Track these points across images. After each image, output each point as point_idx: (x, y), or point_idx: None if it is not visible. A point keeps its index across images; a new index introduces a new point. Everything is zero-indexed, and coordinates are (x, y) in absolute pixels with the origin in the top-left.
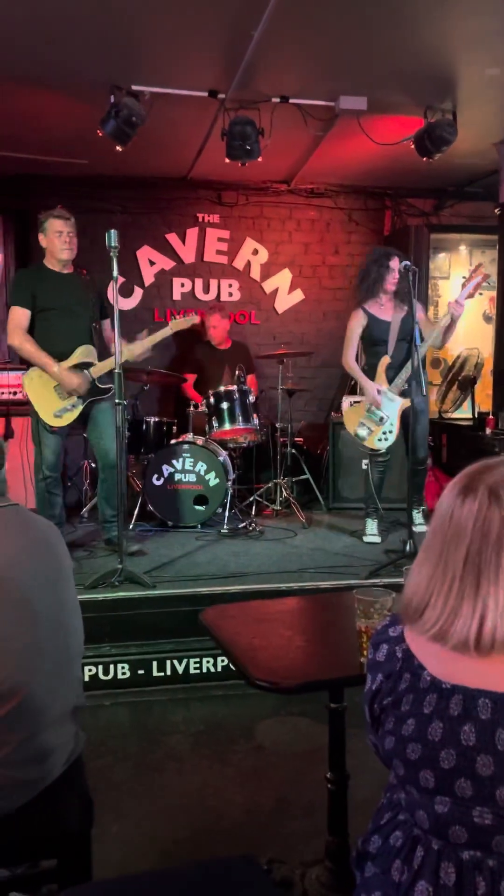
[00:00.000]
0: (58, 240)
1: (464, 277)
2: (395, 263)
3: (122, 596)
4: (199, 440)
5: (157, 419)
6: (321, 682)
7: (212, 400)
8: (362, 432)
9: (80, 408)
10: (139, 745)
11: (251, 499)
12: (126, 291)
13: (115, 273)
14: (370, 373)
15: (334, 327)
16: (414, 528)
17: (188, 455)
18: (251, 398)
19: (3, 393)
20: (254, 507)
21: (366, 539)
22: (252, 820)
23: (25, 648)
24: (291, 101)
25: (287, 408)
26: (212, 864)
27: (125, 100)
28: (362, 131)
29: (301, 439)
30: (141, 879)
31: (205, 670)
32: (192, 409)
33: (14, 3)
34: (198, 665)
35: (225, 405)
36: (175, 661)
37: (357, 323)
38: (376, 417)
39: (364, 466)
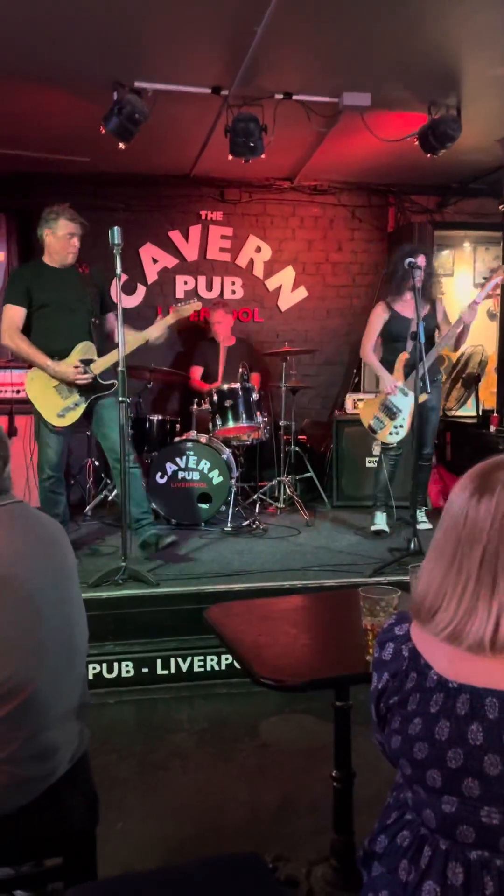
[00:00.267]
0: (68, 243)
1: (484, 278)
2: (422, 261)
3: (126, 594)
4: (203, 438)
5: (160, 417)
6: (327, 680)
7: (215, 398)
8: (376, 425)
9: (83, 406)
10: (143, 743)
11: (255, 497)
12: (129, 289)
13: (119, 271)
14: (386, 368)
15: (338, 325)
16: (418, 527)
17: (192, 453)
18: (254, 396)
19: (5, 391)
20: (257, 505)
21: (374, 528)
22: (257, 818)
23: (30, 646)
24: (295, 97)
25: (290, 405)
26: (217, 861)
27: (128, 97)
28: (366, 128)
29: (304, 437)
30: (146, 878)
31: (209, 668)
32: (195, 406)
33: (16, 1)
34: (202, 663)
35: (228, 403)
36: (179, 659)
37: (378, 317)
38: (390, 411)
39: (369, 464)
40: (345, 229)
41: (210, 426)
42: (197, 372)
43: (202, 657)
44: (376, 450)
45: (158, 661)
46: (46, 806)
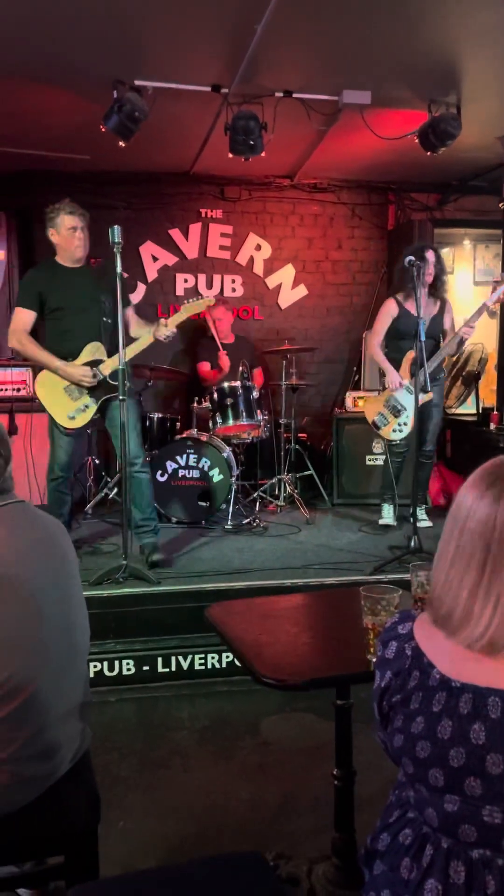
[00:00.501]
0: (72, 237)
1: (495, 282)
2: (430, 256)
3: (127, 592)
4: (203, 436)
5: (160, 415)
6: (328, 678)
7: (215, 395)
8: (380, 422)
9: (94, 408)
10: (144, 741)
11: (255, 495)
12: (129, 287)
13: (119, 269)
14: (393, 366)
15: (338, 322)
16: (418, 524)
17: (192, 451)
18: (255, 394)
19: (6, 389)
20: (258, 504)
21: (381, 522)
22: (258, 816)
23: (31, 645)
24: (295, 95)
25: (291, 403)
26: (218, 860)
27: (128, 95)
28: (366, 126)
29: (305, 435)
30: (147, 876)
31: (210, 666)
32: (196, 404)
33: (16, 0)
34: (203, 661)
35: (229, 401)
36: (180, 658)
37: (388, 313)
38: (394, 408)
39: (369, 462)
40: (345, 227)
41: (210, 424)
42: (205, 366)
43: (203, 655)
44: (377, 447)
45: (159, 660)
46: (48, 805)
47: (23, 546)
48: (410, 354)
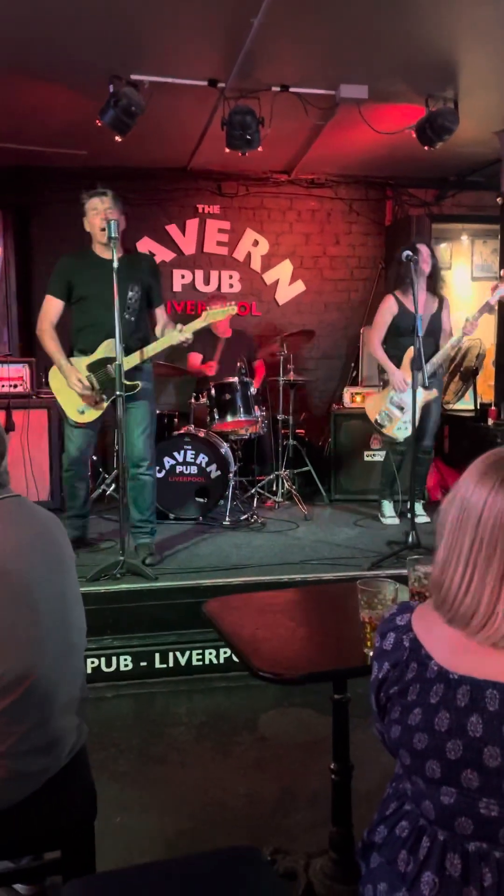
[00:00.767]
0: (96, 220)
1: (498, 278)
2: (423, 249)
3: (125, 588)
4: (201, 432)
5: (158, 411)
6: (325, 673)
7: (213, 391)
8: (383, 420)
9: (105, 404)
10: (142, 736)
11: (253, 491)
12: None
13: (116, 264)
14: (393, 363)
15: (335, 318)
16: (416, 520)
17: (189, 447)
18: (252, 390)
19: (3, 386)
20: (255, 500)
21: (385, 521)
22: (255, 811)
23: (28, 640)
24: (291, 89)
25: (288, 400)
26: (216, 855)
27: (124, 89)
28: (363, 120)
29: (302, 431)
30: (144, 870)
31: (207, 662)
32: (193, 401)
33: None
34: (200, 657)
35: (226, 397)
36: (177, 653)
37: (387, 310)
38: (397, 406)
39: (367, 458)
40: (342, 223)
41: (208, 420)
42: (196, 358)
43: (200, 651)
44: (375, 444)
45: (157, 655)
46: (45, 800)
47: (19, 541)
48: (411, 351)
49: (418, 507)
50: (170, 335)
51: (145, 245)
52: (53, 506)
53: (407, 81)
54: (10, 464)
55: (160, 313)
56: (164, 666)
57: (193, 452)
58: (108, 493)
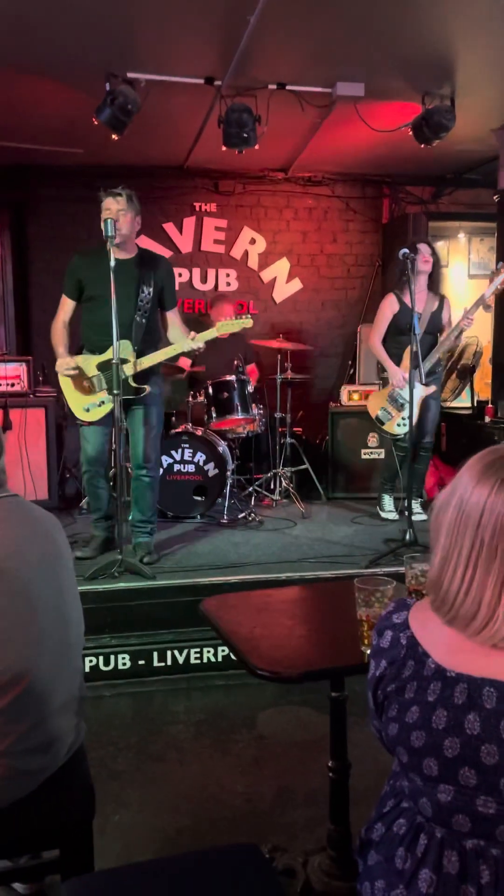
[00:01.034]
0: (104, 218)
1: (492, 272)
2: (423, 247)
3: (123, 587)
4: (199, 430)
5: None
6: (323, 671)
7: (210, 390)
8: (383, 417)
9: (109, 405)
10: (140, 735)
11: (250, 489)
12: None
13: (113, 263)
14: (394, 360)
15: (332, 316)
16: (413, 518)
17: (187, 446)
18: (250, 388)
19: (0, 385)
20: (253, 498)
21: (384, 515)
22: (254, 809)
23: (26, 639)
24: (288, 87)
25: (286, 397)
26: (214, 852)
27: (121, 87)
28: (360, 118)
29: (300, 429)
30: (143, 868)
31: (205, 660)
32: (191, 399)
33: None
34: (198, 655)
35: (224, 395)
36: (175, 652)
37: (388, 308)
38: (397, 403)
39: (365, 455)
40: (339, 221)
41: (206, 419)
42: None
43: (199, 649)
44: (373, 441)
45: (155, 654)
46: (43, 798)
47: (16, 539)
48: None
49: (416, 505)
50: (182, 343)
51: (142, 243)
52: (51, 505)
53: (403, 79)
54: (7, 463)
55: (173, 317)
56: (163, 664)
57: (191, 451)
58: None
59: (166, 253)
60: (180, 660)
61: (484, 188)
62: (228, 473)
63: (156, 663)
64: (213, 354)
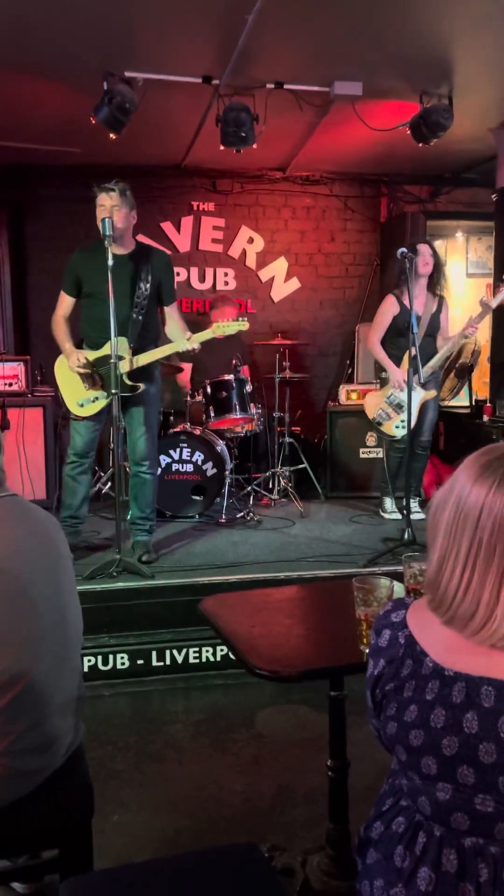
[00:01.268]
0: (100, 215)
1: (501, 281)
2: (423, 248)
3: (121, 586)
4: (197, 430)
5: None
6: (321, 670)
7: (209, 389)
8: (381, 418)
9: (104, 402)
10: (139, 734)
11: (249, 488)
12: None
13: (111, 262)
14: (393, 361)
15: (330, 316)
16: (411, 517)
17: (185, 445)
18: (248, 387)
19: None
20: (251, 497)
21: (386, 516)
22: (253, 808)
23: (25, 639)
24: (286, 86)
25: (284, 397)
26: (213, 852)
27: (118, 86)
28: (358, 117)
29: (298, 428)
30: (142, 868)
31: (204, 660)
32: (189, 398)
33: None
34: (197, 654)
35: (222, 394)
36: (174, 651)
37: (388, 309)
38: (395, 404)
39: (363, 455)
40: (337, 220)
41: (204, 418)
42: (186, 368)
43: (197, 649)
44: (371, 440)
45: (153, 653)
46: (42, 798)
47: (15, 539)
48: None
49: (414, 504)
50: (178, 343)
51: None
52: (49, 504)
53: (401, 78)
54: (5, 462)
55: (171, 312)
56: (161, 664)
57: (189, 450)
58: (103, 490)
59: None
60: (179, 659)
61: (482, 187)
62: (227, 473)
63: (154, 663)
64: (210, 355)
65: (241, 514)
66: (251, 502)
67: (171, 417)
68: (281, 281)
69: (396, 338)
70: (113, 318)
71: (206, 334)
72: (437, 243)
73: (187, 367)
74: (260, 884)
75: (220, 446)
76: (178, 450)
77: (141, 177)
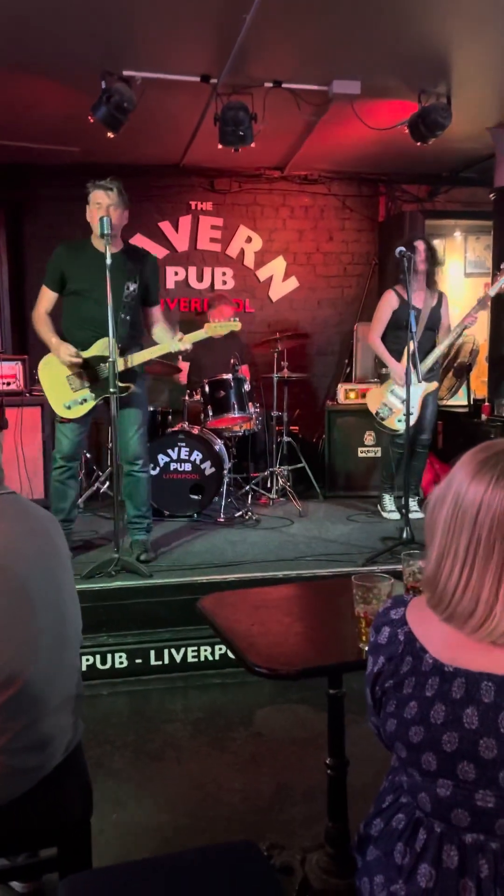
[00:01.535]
0: (97, 214)
1: (498, 271)
2: (420, 245)
3: (119, 585)
4: (195, 429)
5: (152, 408)
6: (320, 668)
7: (207, 388)
8: (383, 412)
9: (92, 403)
10: (138, 733)
11: (247, 487)
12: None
13: (109, 261)
14: (394, 356)
15: (329, 315)
16: (410, 515)
17: (184, 444)
18: (246, 386)
19: None
20: (250, 496)
21: (385, 514)
22: (252, 806)
23: (23, 637)
24: (284, 85)
25: (282, 396)
26: (212, 850)
27: (116, 85)
28: (356, 116)
29: (296, 428)
30: (141, 866)
31: (202, 658)
32: (187, 397)
33: None
34: (195, 653)
35: (220, 394)
36: (173, 650)
37: (387, 305)
38: (398, 399)
39: (361, 454)
40: (335, 219)
41: (202, 417)
42: (184, 367)
43: (196, 647)
44: (369, 439)
45: (152, 652)
46: (41, 797)
47: (14, 537)
48: (411, 346)
49: (413, 503)
50: (169, 343)
51: (138, 242)
52: (47, 503)
53: (400, 77)
54: (3, 461)
55: (156, 312)
56: (160, 663)
57: (188, 450)
58: (102, 490)
59: (162, 251)
60: (177, 658)
61: (480, 186)
62: (225, 472)
63: (153, 662)
64: (208, 354)
65: (240, 513)
66: (249, 501)
67: (170, 417)
68: (279, 280)
69: (396, 332)
70: (111, 316)
71: (198, 335)
72: (436, 242)
73: (185, 366)
74: (259, 882)
75: (219, 445)
76: (176, 449)
77: (139, 176)
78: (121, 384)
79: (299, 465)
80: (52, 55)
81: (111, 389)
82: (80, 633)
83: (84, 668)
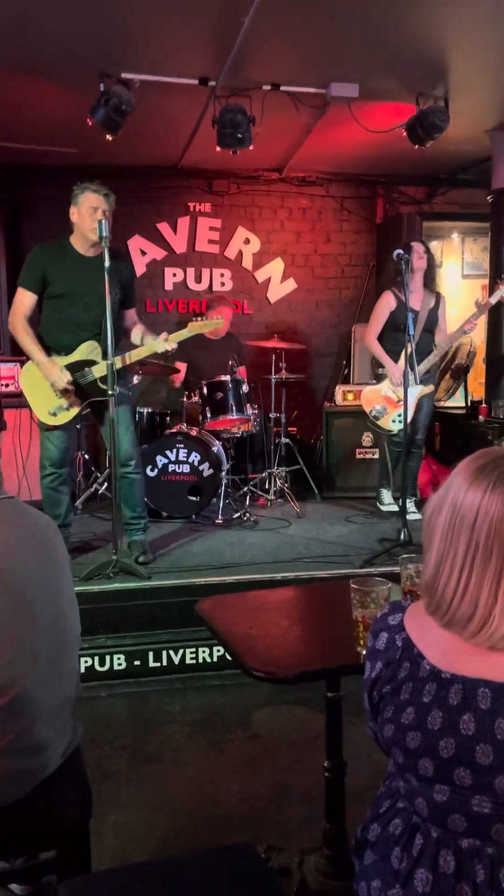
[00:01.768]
0: (90, 217)
1: (499, 279)
2: (417, 246)
3: (118, 587)
4: (193, 431)
5: (150, 410)
6: (318, 671)
7: (205, 390)
8: (379, 412)
9: (77, 409)
10: (136, 735)
11: (245, 489)
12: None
13: (107, 263)
14: (391, 357)
15: (327, 316)
16: (407, 517)
17: (182, 446)
18: (244, 388)
19: None
20: (248, 498)
21: (384, 508)
22: (249, 808)
23: (22, 640)
24: (282, 88)
25: (280, 397)
26: (210, 852)
27: (115, 88)
28: (354, 119)
29: (295, 429)
30: (139, 868)
31: (201, 660)
32: (185, 399)
33: None
34: (194, 655)
35: (218, 395)
36: (171, 652)
37: (385, 306)
38: (392, 393)
39: (359, 455)
40: (333, 221)
41: (200, 419)
42: (182, 368)
43: (194, 649)
44: (367, 440)
45: (150, 654)
46: (40, 799)
47: (12, 541)
48: (409, 347)
49: (410, 504)
50: (154, 344)
51: (136, 243)
52: None
53: (397, 80)
54: (2, 465)
55: (133, 314)
56: (158, 664)
57: (186, 451)
58: (100, 492)
59: (160, 253)
60: (176, 660)
61: (477, 188)
62: (223, 473)
63: (151, 663)
64: (207, 355)
65: (238, 514)
66: (247, 503)
67: (168, 418)
68: (277, 282)
69: (394, 333)
70: (110, 318)
71: (182, 334)
72: (433, 244)
73: (182, 366)
74: (257, 884)
75: (217, 447)
76: (174, 450)
77: (137, 177)
78: (103, 386)
79: (297, 467)
80: (51, 57)
81: (109, 392)
82: (79, 637)
83: (82, 670)
